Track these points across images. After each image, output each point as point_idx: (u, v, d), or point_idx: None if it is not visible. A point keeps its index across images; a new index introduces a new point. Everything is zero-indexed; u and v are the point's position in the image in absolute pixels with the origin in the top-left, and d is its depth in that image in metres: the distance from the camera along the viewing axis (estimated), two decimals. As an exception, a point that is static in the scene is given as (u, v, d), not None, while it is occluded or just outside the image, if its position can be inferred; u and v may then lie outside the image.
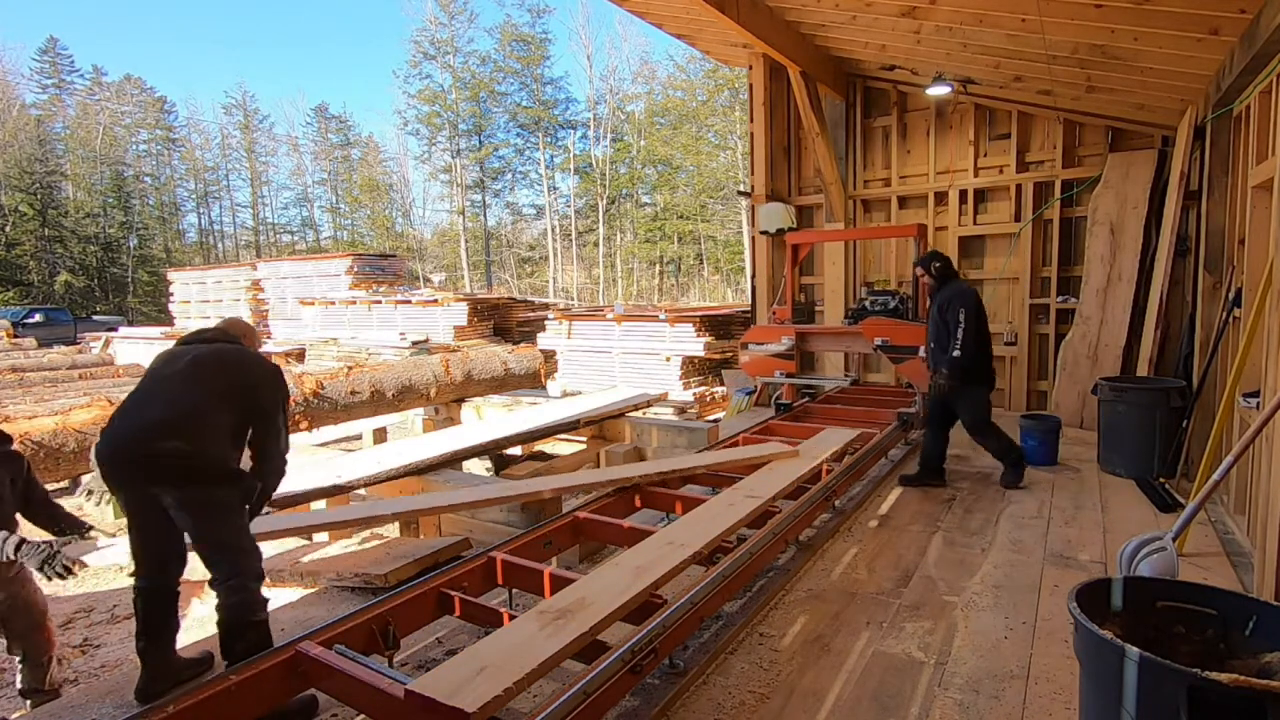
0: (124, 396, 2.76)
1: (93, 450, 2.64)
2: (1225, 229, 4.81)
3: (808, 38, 7.50)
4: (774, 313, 7.94)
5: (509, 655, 2.05)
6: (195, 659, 2.75)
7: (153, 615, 2.61)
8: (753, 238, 9.24)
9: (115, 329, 20.51)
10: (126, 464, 2.52)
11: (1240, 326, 4.05)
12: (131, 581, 2.66)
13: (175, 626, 2.68)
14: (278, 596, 3.75)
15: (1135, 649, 1.62)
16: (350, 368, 7.14)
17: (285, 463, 2.82)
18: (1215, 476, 2.88)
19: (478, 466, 6.10)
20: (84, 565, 2.70)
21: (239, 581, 2.58)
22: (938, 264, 4.91)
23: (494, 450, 5.79)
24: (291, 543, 4.33)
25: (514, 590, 3.09)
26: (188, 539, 2.64)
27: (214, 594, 2.60)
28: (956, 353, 4.64)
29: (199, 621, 3.74)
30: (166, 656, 2.63)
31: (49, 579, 2.58)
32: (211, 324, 3.03)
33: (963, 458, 5.80)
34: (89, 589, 4.36)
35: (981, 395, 4.85)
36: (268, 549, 4.23)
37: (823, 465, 4.40)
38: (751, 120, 8.81)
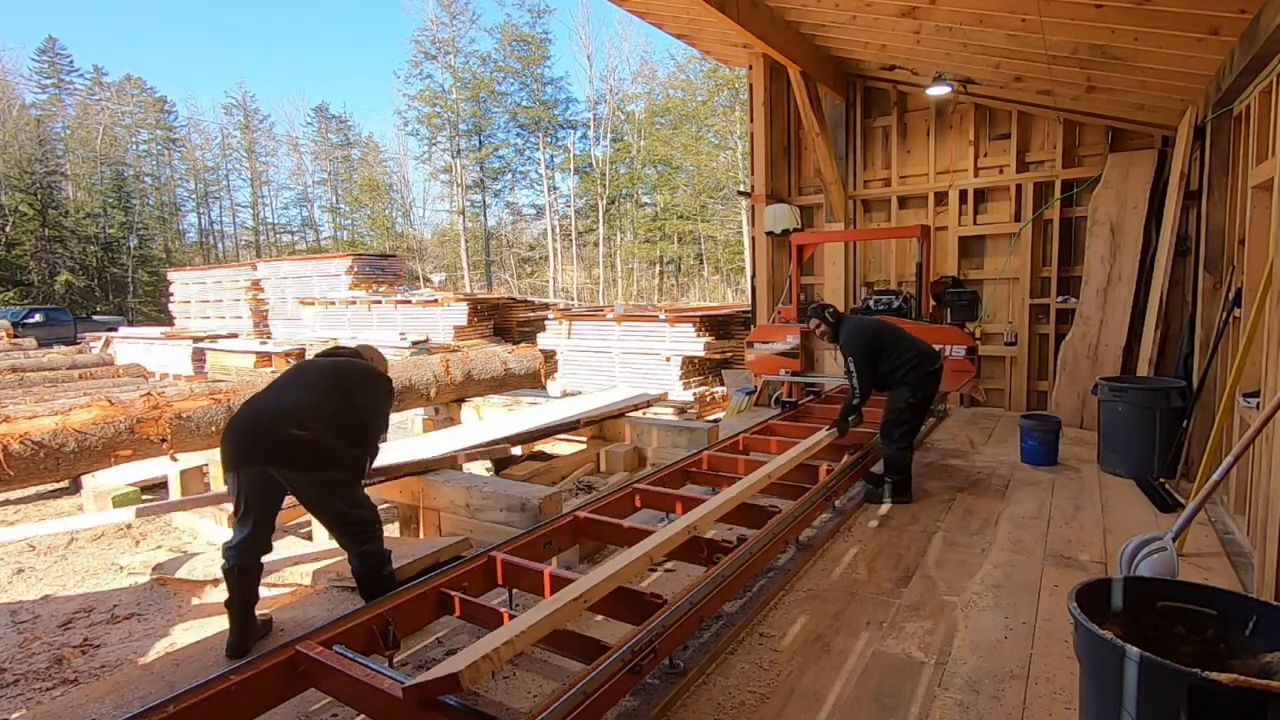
0: (262, 387, 3.24)
1: (224, 430, 3.04)
2: (1225, 229, 4.81)
3: (808, 38, 7.50)
4: (779, 312, 7.96)
5: (501, 638, 2.11)
6: (265, 620, 3.17)
7: (245, 587, 3.00)
8: (753, 238, 9.23)
9: (115, 329, 20.48)
10: (256, 442, 2.91)
11: (1240, 326, 4.05)
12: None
13: (257, 595, 3.09)
14: (278, 596, 3.75)
15: (1135, 649, 1.62)
16: (350, 368, 7.12)
17: (379, 444, 3.37)
18: (1215, 476, 2.88)
19: (478, 466, 6.09)
20: None
21: (366, 549, 3.05)
22: (830, 311, 4.85)
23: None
24: (291, 542, 4.33)
25: (514, 590, 3.09)
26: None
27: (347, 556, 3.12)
28: (855, 400, 4.71)
29: (200, 621, 3.74)
30: (251, 619, 3.05)
31: None
32: (347, 344, 3.66)
33: (962, 455, 5.80)
34: (89, 588, 4.36)
35: (901, 397, 4.63)
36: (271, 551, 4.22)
37: (822, 465, 4.40)
38: (751, 120, 8.81)
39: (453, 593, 2.82)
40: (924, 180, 8.14)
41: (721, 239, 34.81)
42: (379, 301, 14.08)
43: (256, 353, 13.55)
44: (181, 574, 4.23)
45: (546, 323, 11.81)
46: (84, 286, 35.45)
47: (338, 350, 3.47)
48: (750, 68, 8.80)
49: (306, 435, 2.91)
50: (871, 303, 7.17)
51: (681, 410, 8.54)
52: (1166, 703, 1.55)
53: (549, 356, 10.90)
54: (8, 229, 33.66)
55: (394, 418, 8.05)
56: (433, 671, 1.95)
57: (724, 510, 3.46)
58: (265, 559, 3.14)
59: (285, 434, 2.89)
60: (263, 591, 3.20)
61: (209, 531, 5.12)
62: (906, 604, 3.19)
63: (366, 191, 44.97)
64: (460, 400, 7.78)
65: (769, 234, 8.62)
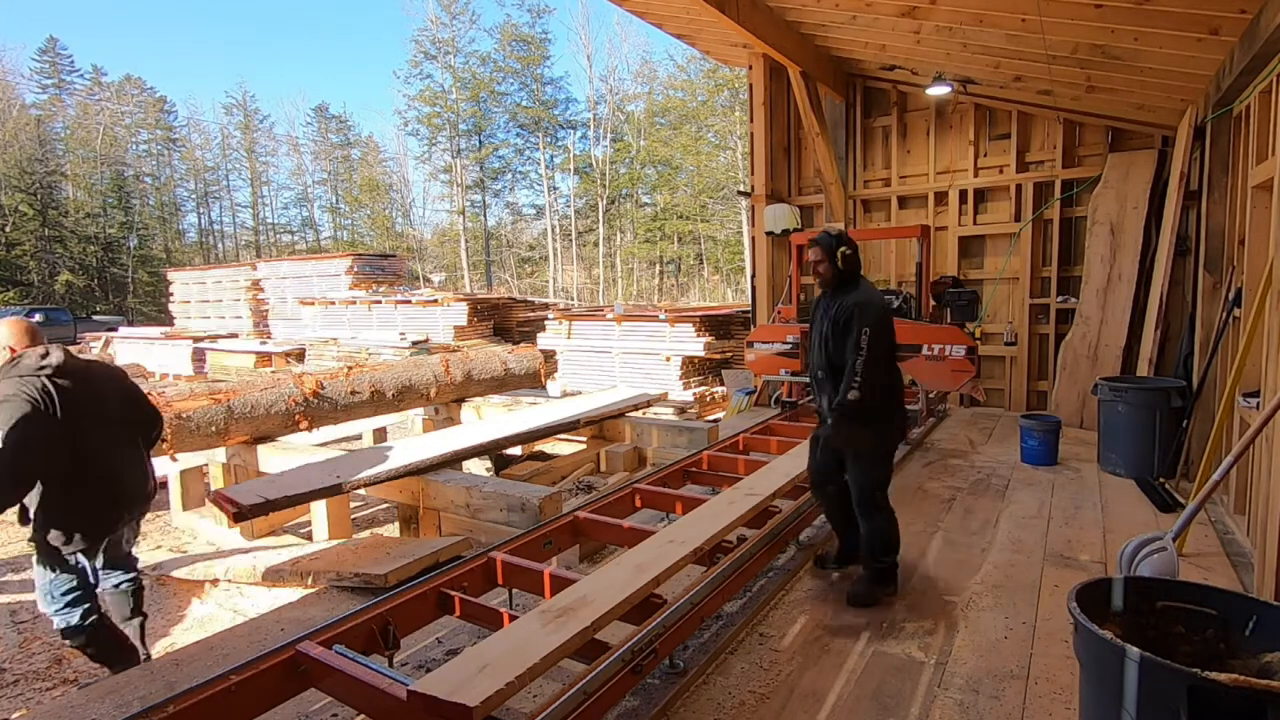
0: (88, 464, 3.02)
1: (91, 509, 3.05)
2: (1225, 229, 4.81)
3: (808, 38, 7.50)
4: (779, 311, 7.95)
5: (510, 653, 2.05)
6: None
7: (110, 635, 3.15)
8: (752, 238, 9.23)
9: (115, 329, 20.50)
10: (129, 513, 3.17)
11: (1240, 326, 4.05)
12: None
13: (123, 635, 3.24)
14: (278, 596, 3.75)
15: (1135, 649, 1.62)
16: (350, 368, 7.13)
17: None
18: (1215, 476, 2.88)
19: (478, 466, 6.09)
20: None
21: (140, 578, 3.33)
22: (846, 250, 3.35)
23: (494, 450, 5.78)
24: (291, 541, 4.33)
25: (514, 590, 3.09)
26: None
27: (113, 583, 3.22)
28: (854, 394, 3.03)
29: (199, 621, 3.75)
30: (125, 643, 3.18)
31: None
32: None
33: (962, 455, 5.80)
34: (89, 589, 4.36)
35: (889, 447, 3.31)
36: (271, 551, 4.22)
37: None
38: (751, 120, 8.81)
39: (453, 593, 2.82)
40: (924, 180, 8.14)
41: (721, 239, 34.80)
42: (379, 301, 14.08)
43: (256, 353, 13.55)
44: (181, 574, 4.23)
45: (546, 323, 11.82)
46: (84, 286, 35.45)
47: (74, 366, 3.01)
48: (750, 68, 8.79)
49: (151, 489, 3.31)
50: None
51: (681, 410, 8.55)
52: (1166, 703, 1.56)
53: (549, 356, 10.90)
54: (8, 229, 33.66)
55: (394, 417, 8.08)
56: (441, 682, 1.90)
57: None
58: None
59: (147, 498, 3.26)
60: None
61: (209, 531, 5.12)
62: (906, 604, 3.19)
63: (366, 191, 44.95)
64: (460, 400, 7.78)
65: (769, 234, 8.62)
